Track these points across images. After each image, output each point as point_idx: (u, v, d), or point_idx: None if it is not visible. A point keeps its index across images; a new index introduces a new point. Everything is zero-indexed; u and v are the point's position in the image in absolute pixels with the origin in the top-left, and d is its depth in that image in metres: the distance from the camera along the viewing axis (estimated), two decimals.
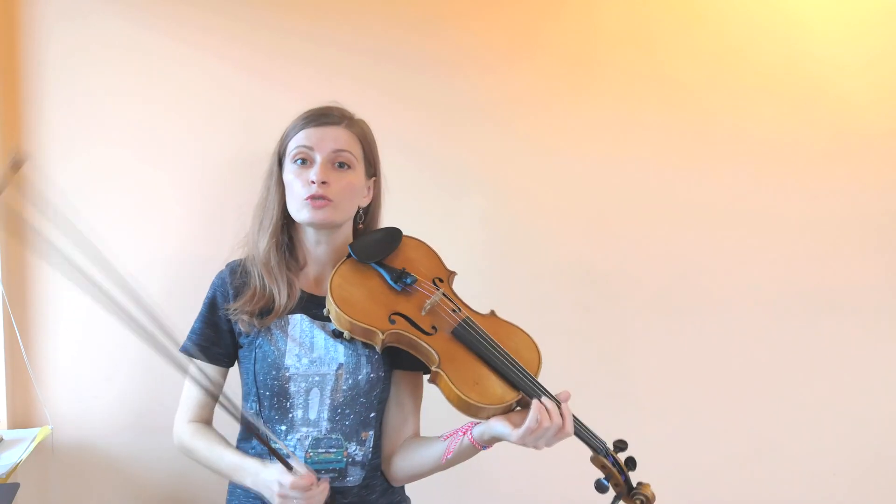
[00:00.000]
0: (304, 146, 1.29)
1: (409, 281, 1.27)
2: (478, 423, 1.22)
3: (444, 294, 1.29)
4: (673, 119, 1.95)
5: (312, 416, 1.27)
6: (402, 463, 1.32)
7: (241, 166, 1.76)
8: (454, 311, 1.27)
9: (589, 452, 1.27)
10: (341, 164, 1.29)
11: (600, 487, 1.24)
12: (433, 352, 1.20)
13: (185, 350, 1.34)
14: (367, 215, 1.39)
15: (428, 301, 1.26)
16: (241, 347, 1.33)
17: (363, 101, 1.79)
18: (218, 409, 1.35)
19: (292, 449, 1.27)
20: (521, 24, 1.90)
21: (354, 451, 1.28)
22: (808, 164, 2.00)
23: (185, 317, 1.35)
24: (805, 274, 2.01)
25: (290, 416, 1.27)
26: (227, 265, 1.38)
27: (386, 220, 1.45)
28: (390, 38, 1.84)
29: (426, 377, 1.31)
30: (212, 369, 1.35)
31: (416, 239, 1.38)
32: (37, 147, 1.73)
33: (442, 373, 1.18)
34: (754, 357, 2.01)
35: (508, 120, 1.89)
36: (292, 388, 1.27)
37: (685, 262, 1.98)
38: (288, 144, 1.32)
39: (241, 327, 1.30)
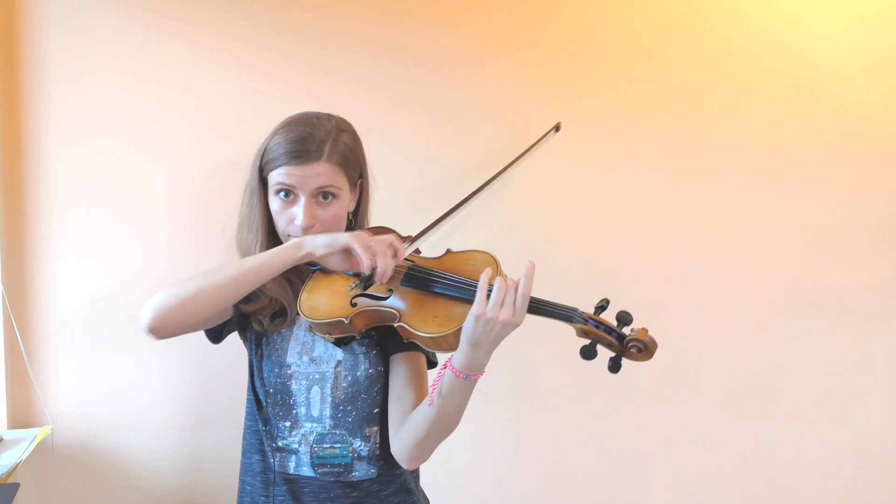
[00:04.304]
0: (286, 184, 1.24)
1: None
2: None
3: None
4: (672, 120, 1.96)
5: (315, 413, 1.28)
6: (402, 434, 1.25)
7: (240, 163, 1.76)
8: (405, 265, 1.25)
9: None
10: (325, 196, 1.26)
11: (586, 353, 1.10)
12: (392, 311, 1.20)
13: None
14: (356, 218, 1.37)
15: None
16: (247, 340, 1.34)
17: (361, 100, 1.81)
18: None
19: (297, 445, 1.28)
20: (521, 24, 1.91)
21: (360, 446, 1.29)
22: (807, 165, 2.01)
23: None
24: (805, 275, 2.02)
25: (294, 412, 1.29)
26: None
27: (379, 220, 1.44)
28: (390, 38, 1.85)
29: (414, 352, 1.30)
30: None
31: (374, 226, 1.38)
32: (35, 142, 1.73)
33: (404, 325, 1.18)
34: (755, 358, 2.01)
35: (507, 120, 1.90)
36: (294, 386, 1.28)
37: (685, 263, 1.99)
38: (270, 175, 1.27)
39: (255, 325, 1.31)
